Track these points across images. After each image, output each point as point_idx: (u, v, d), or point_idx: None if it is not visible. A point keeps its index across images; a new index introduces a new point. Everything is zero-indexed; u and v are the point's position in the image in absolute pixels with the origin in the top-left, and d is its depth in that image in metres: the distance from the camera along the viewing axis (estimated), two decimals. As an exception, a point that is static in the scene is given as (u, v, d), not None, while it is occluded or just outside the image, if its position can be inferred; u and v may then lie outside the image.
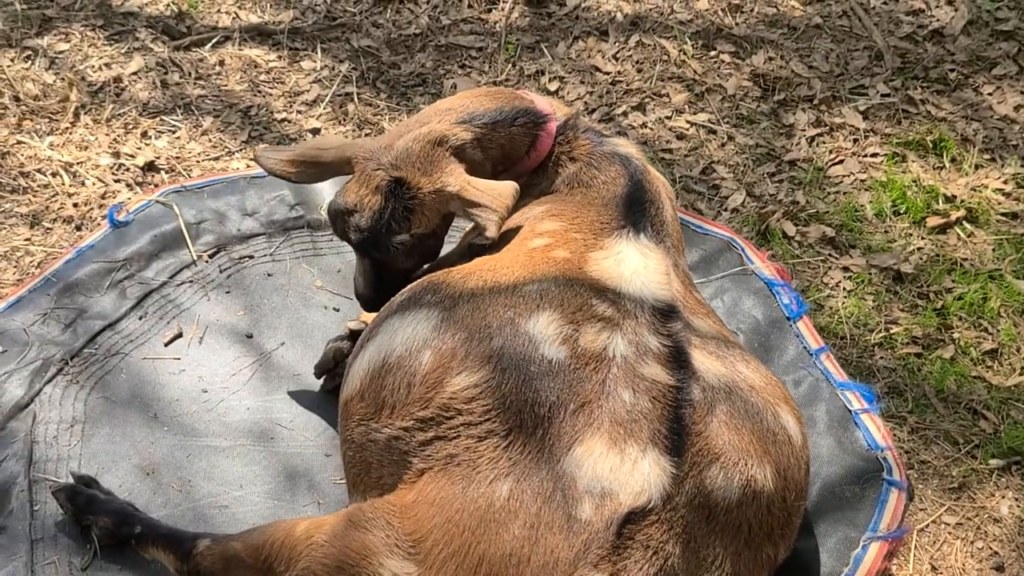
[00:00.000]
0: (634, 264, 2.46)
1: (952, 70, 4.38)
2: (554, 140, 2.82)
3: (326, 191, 3.52)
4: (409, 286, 2.57)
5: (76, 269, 3.20)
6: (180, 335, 3.14)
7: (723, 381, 2.27)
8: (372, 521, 2.16)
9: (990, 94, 4.30)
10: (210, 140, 4.00)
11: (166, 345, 3.11)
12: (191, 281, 3.27)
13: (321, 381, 3.05)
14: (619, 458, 2.08)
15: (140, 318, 3.15)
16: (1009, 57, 4.44)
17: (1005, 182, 3.95)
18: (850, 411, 2.82)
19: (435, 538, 2.07)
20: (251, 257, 3.38)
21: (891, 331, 3.43)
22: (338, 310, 3.26)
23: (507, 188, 2.65)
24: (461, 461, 2.15)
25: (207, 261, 3.34)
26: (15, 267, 3.47)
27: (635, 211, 2.61)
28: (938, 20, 4.59)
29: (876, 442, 2.74)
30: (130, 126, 4.02)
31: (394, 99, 4.21)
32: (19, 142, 3.91)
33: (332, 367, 2.99)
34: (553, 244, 2.52)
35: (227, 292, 3.27)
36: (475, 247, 2.80)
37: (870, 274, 3.60)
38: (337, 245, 3.41)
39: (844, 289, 3.56)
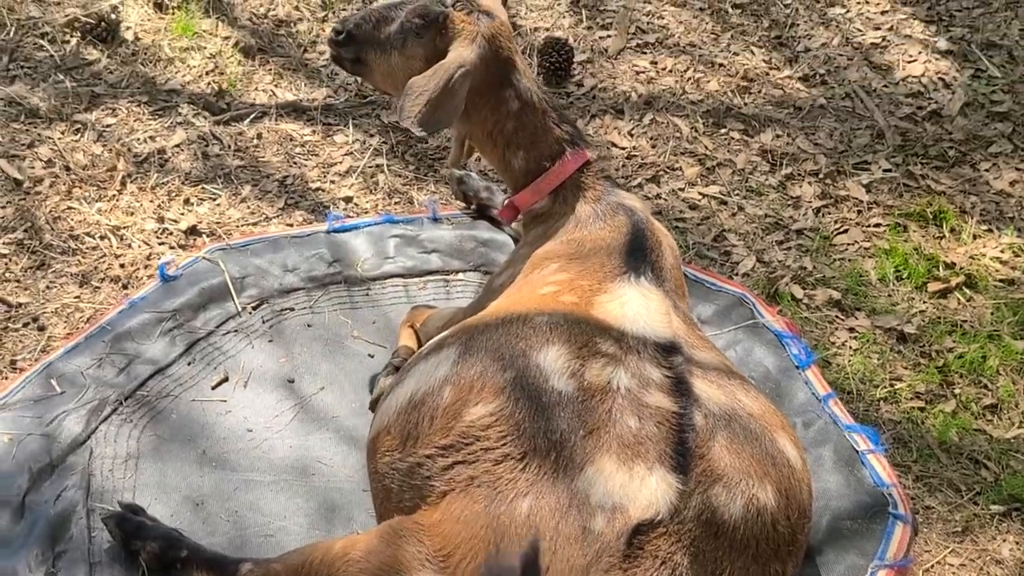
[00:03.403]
0: (636, 306, 2.62)
1: (950, 148, 4.60)
2: (578, 170, 3.00)
3: (360, 250, 3.75)
4: (436, 337, 2.75)
5: (129, 319, 3.39)
6: (226, 379, 3.32)
7: (723, 409, 2.41)
8: (404, 538, 2.30)
9: (987, 170, 4.51)
10: (248, 207, 4.22)
11: (213, 388, 3.29)
12: (236, 331, 3.46)
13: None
14: (628, 475, 2.23)
15: (188, 363, 3.34)
16: (1004, 136, 4.66)
17: (1002, 251, 4.14)
18: (856, 451, 2.97)
19: (462, 552, 2.22)
20: (292, 309, 3.57)
21: (895, 387, 3.59)
22: (373, 356, 3.44)
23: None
24: (482, 482, 2.29)
25: (251, 313, 3.53)
26: (65, 322, 3.67)
27: (636, 257, 2.78)
28: (936, 102, 4.83)
29: (882, 479, 2.88)
30: (173, 194, 4.25)
31: (421, 171, 4.44)
32: (69, 208, 4.14)
33: None
34: (561, 291, 2.69)
35: (270, 341, 3.46)
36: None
37: (875, 334, 3.77)
38: (371, 299, 3.61)
39: (850, 348, 3.73)
